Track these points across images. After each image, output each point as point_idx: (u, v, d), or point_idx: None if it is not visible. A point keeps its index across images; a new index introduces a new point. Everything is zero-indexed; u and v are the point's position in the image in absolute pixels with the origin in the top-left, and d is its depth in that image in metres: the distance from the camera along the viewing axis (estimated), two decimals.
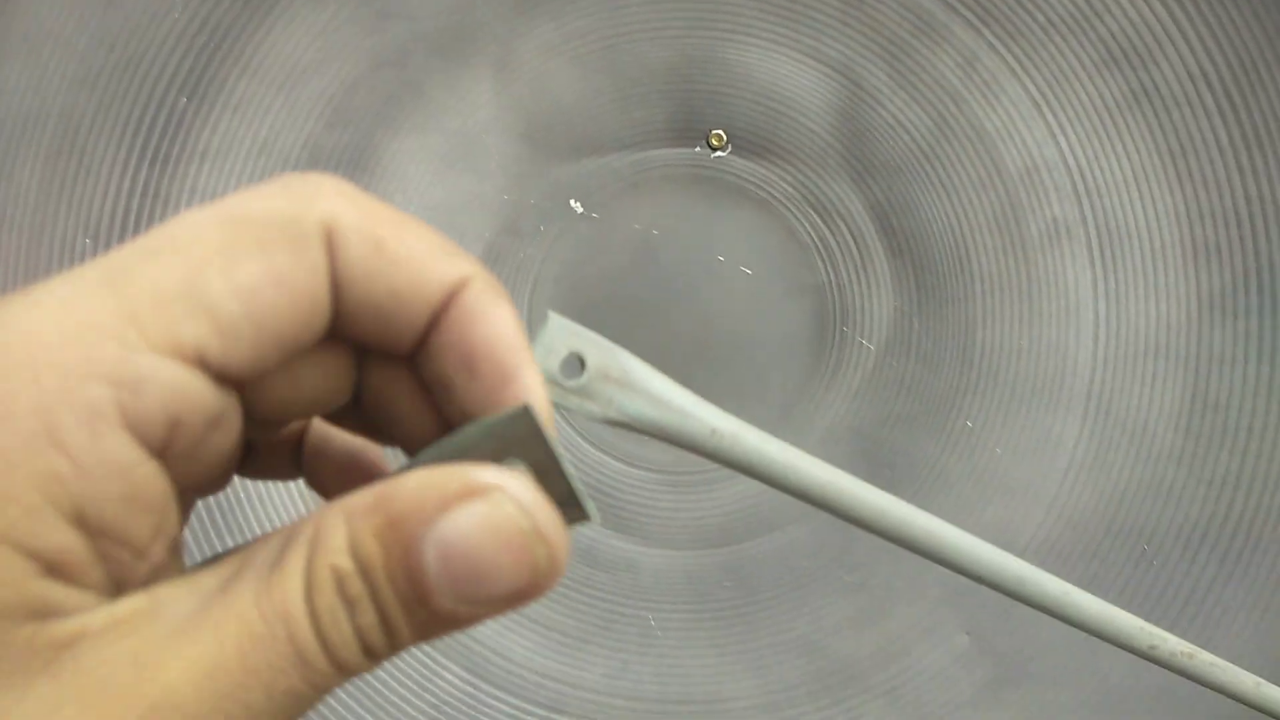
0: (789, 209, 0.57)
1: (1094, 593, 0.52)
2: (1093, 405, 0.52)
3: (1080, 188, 0.53)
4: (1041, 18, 0.52)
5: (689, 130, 0.57)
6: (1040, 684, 0.50)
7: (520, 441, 0.16)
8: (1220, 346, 0.51)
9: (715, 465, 0.57)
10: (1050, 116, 0.53)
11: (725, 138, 0.57)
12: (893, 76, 0.54)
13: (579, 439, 0.57)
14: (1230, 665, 0.33)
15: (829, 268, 0.56)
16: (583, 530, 0.57)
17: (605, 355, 0.22)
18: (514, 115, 0.56)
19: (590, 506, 0.16)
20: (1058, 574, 0.53)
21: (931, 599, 0.53)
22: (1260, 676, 0.51)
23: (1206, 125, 0.51)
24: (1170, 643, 0.31)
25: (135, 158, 0.53)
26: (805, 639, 0.54)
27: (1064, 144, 0.53)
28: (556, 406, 0.22)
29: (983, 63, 0.53)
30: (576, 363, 0.22)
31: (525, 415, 0.16)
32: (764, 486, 0.58)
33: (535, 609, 0.56)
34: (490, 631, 0.55)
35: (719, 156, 0.57)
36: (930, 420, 0.55)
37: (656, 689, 0.54)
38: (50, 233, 0.54)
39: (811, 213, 0.56)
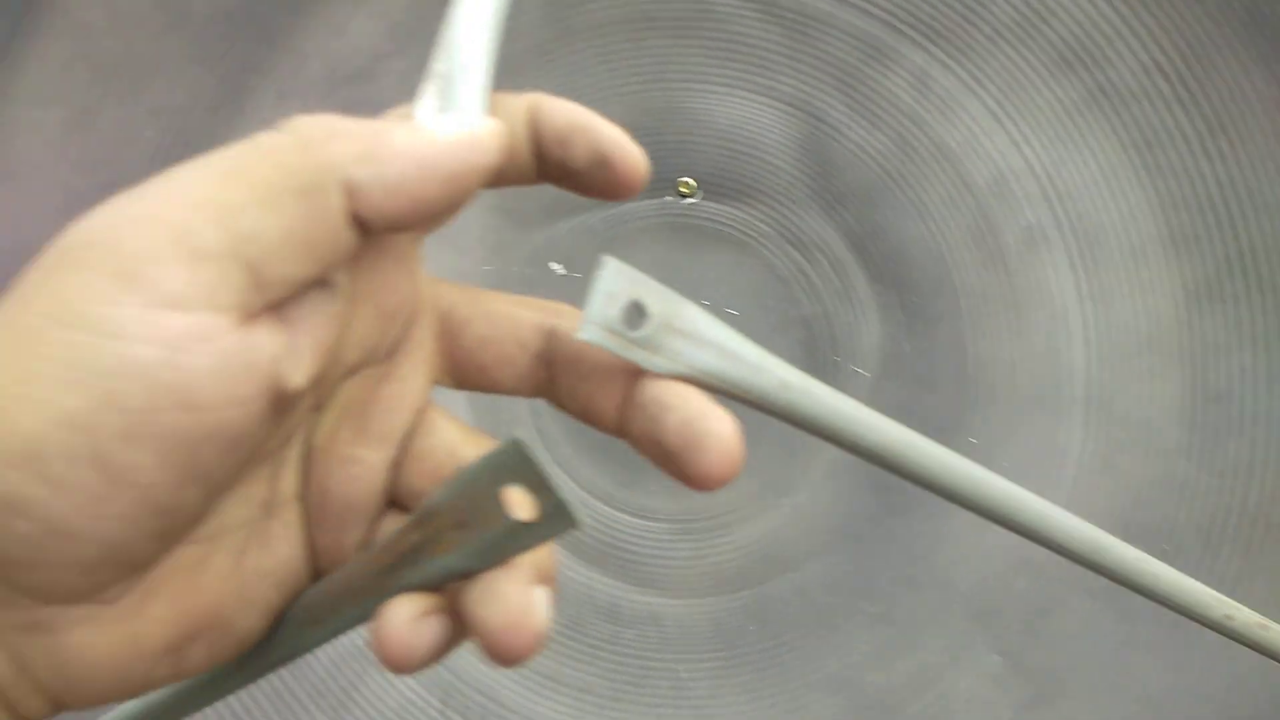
0: (766, 246, 0.57)
1: (1119, 597, 0.52)
2: (1093, 408, 0.52)
3: (1050, 192, 0.53)
4: (988, 28, 0.52)
5: (658, 180, 0.57)
6: (1078, 699, 0.50)
7: (514, 468, 0.17)
8: (1214, 335, 0.50)
9: (725, 509, 0.57)
10: (1011, 126, 0.53)
11: (694, 184, 0.57)
12: (849, 105, 0.55)
13: (589, 497, 0.57)
14: None
15: (813, 299, 0.56)
16: (603, 588, 0.57)
17: (669, 304, 0.20)
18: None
19: (577, 514, 0.18)
20: (1081, 583, 0.53)
21: (958, 623, 0.52)
22: None
23: (1168, 116, 0.51)
24: (1244, 613, 0.31)
25: None
26: (836, 676, 0.53)
27: (1028, 151, 0.53)
28: (619, 357, 0.21)
29: (936, 80, 0.53)
30: (637, 312, 0.20)
31: (516, 446, 0.17)
32: (776, 525, 0.57)
33: (565, 672, 0.56)
34: (523, 700, 0.55)
35: (690, 203, 0.57)
36: (935, 440, 0.54)
37: None
38: None
39: (789, 247, 0.57)
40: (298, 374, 0.18)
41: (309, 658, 0.56)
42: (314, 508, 0.21)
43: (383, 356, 0.21)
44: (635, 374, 0.21)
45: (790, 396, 0.21)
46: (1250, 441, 0.49)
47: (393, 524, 0.22)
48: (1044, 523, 0.26)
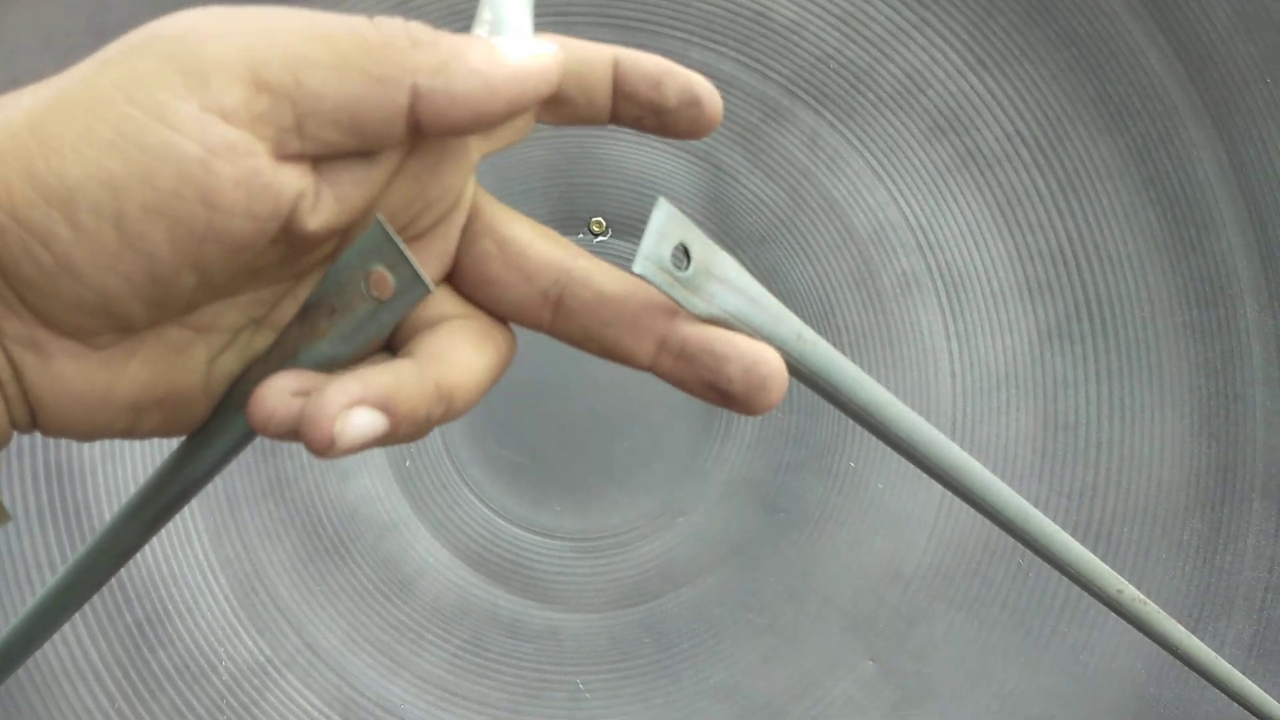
0: None
1: (979, 607, 0.57)
2: (958, 436, 0.57)
3: (923, 243, 0.58)
4: (872, 95, 0.58)
5: (571, 219, 0.61)
6: (943, 699, 0.54)
7: (378, 248, 0.20)
8: (1063, 372, 0.57)
9: (625, 527, 0.60)
10: (890, 183, 0.59)
11: (605, 223, 0.61)
12: (748, 158, 0.60)
13: (495, 516, 0.60)
14: (1166, 616, 0.37)
15: None
16: (506, 604, 0.60)
17: (707, 250, 0.22)
18: None
19: (427, 280, 0.20)
20: (945, 595, 0.58)
21: (835, 631, 0.56)
22: (1135, 671, 0.55)
23: (1026, 178, 0.57)
24: (1131, 590, 0.35)
25: None
26: (724, 684, 0.57)
27: (905, 206, 0.59)
28: (671, 301, 0.22)
29: (825, 140, 0.59)
30: (682, 254, 0.22)
31: (378, 224, 0.20)
32: (673, 543, 0.61)
33: (466, 686, 0.58)
34: (424, 714, 0.57)
35: (601, 240, 0.62)
36: (817, 464, 0.59)
37: None
38: None
39: None
40: (315, 220, 0.20)
41: (209, 670, 0.57)
42: None
43: (410, 237, 0.23)
44: (667, 318, 0.23)
45: (803, 348, 0.24)
46: (1095, 466, 0.55)
47: None
48: (985, 488, 0.28)
